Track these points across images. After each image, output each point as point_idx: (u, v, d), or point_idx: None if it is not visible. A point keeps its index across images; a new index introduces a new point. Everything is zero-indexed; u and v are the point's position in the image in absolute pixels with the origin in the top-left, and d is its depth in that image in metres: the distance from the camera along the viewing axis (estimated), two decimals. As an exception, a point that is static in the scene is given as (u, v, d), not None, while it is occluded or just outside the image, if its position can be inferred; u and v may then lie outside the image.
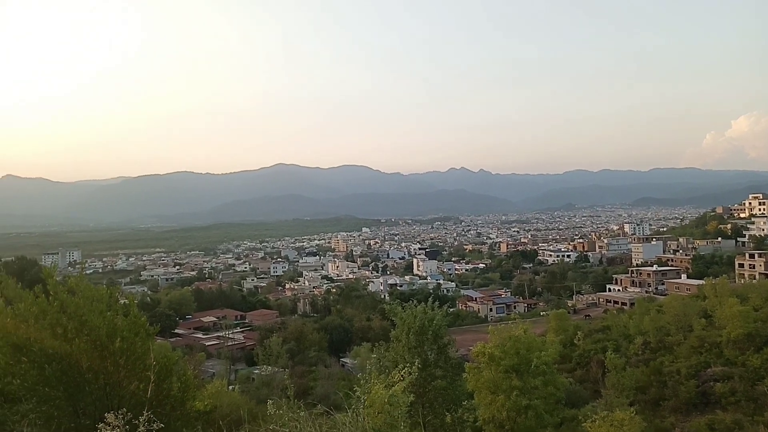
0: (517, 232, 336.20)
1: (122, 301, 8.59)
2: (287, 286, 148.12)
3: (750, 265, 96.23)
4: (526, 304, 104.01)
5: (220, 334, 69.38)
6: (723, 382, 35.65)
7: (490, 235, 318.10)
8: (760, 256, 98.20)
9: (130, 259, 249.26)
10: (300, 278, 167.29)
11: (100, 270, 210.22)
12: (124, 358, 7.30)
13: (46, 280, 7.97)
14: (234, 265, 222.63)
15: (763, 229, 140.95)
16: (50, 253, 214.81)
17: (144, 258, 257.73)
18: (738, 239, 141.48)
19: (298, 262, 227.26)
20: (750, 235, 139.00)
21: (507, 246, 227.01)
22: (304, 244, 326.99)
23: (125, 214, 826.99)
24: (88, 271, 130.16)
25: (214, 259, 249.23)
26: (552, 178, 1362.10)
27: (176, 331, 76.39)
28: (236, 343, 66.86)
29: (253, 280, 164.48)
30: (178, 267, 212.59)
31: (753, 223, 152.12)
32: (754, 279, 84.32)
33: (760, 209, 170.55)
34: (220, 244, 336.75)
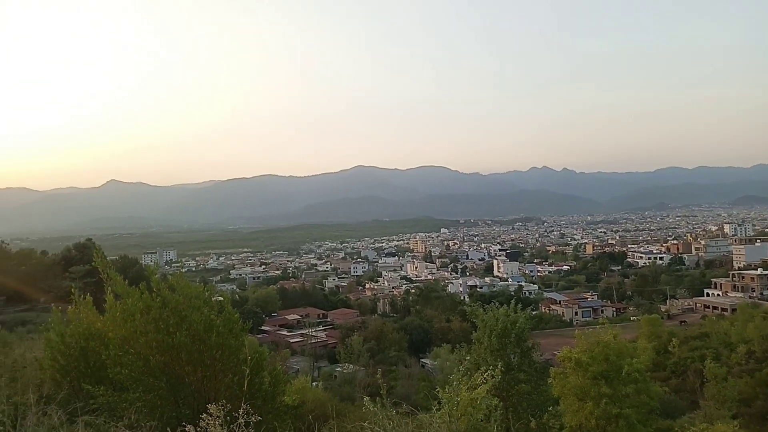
0: (604, 233, 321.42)
1: (216, 298, 9.09)
2: (367, 285, 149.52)
3: None
4: (614, 309, 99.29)
5: (304, 331, 71.17)
6: (843, 398, 32.30)
7: (575, 236, 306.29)
8: None
9: (220, 259, 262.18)
10: (379, 278, 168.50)
11: (194, 269, 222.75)
12: (220, 352, 7.72)
13: (149, 277, 8.58)
14: (316, 264, 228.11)
15: None
16: (149, 253, 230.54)
17: (233, 257, 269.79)
18: None
19: (378, 262, 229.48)
20: None
21: (593, 247, 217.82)
22: (383, 244, 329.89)
23: (216, 215, 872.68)
24: (183, 270, 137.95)
25: (297, 259, 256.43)
26: (642, 176, 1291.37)
27: (262, 328, 79.23)
28: (319, 340, 68.35)
29: (334, 279, 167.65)
30: (264, 266, 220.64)
31: None
32: None
33: None
34: (302, 244, 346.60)
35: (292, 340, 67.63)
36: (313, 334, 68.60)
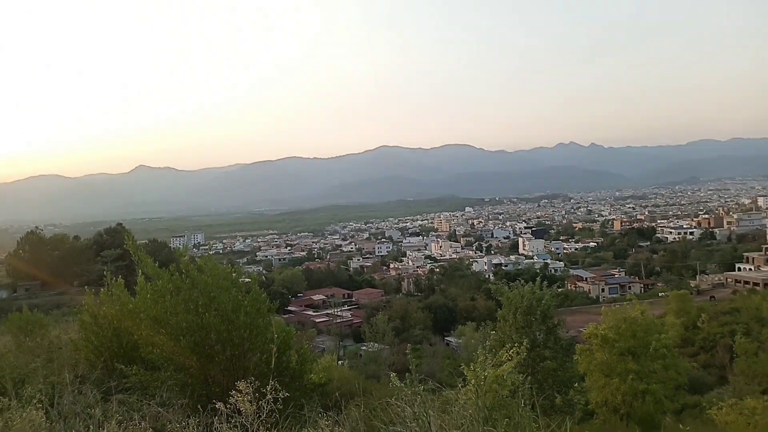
0: (633, 208, 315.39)
1: (243, 279, 9.28)
2: (391, 265, 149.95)
3: None
4: (642, 285, 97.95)
5: (329, 311, 71.99)
6: None
7: (602, 213, 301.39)
8: None
9: (247, 241, 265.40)
10: (404, 258, 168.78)
11: (221, 251, 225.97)
12: (248, 332, 7.92)
13: (179, 259, 8.79)
14: (341, 245, 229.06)
15: None
16: (177, 236, 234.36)
17: (259, 240, 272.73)
18: None
19: (402, 242, 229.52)
20: None
21: (621, 223, 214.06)
22: (408, 224, 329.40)
23: (241, 198, 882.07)
24: (210, 252, 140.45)
25: (322, 240, 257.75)
26: (673, 149, 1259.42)
27: (289, 308, 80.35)
28: (344, 320, 69.03)
29: (359, 259, 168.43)
30: (289, 248, 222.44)
31: None
32: None
33: None
34: (327, 225, 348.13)
35: (317, 320, 68.38)
36: (339, 313, 69.33)
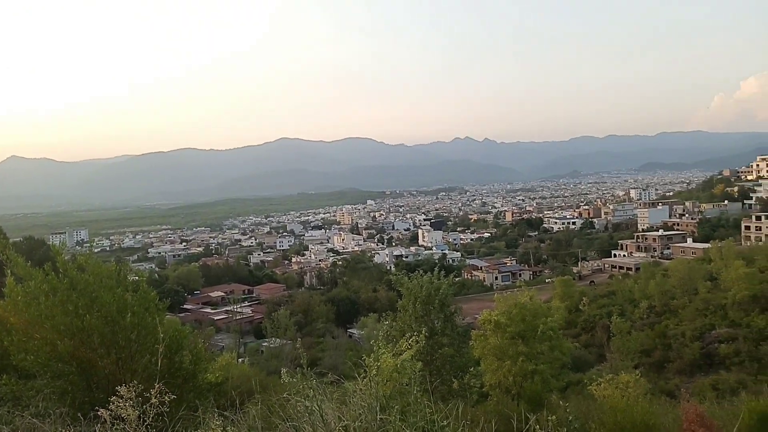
0: (522, 200, 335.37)
1: (131, 278, 8.69)
2: (293, 259, 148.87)
3: (756, 227, 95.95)
4: (531, 272, 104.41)
5: (229, 308, 70.14)
6: (727, 343, 36.04)
7: (495, 205, 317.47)
8: (766, 218, 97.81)
9: (137, 237, 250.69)
10: (306, 252, 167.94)
11: (108, 248, 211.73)
12: (135, 333, 7.42)
13: (55, 257, 8.05)
14: (240, 240, 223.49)
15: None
16: (58, 233, 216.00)
17: (151, 236, 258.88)
18: (745, 202, 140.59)
19: (304, 235, 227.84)
20: (757, 198, 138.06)
21: (512, 215, 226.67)
22: (310, 217, 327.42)
23: (131, 192, 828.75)
24: (96, 250, 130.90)
25: (220, 235, 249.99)
26: (558, 145, 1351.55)
27: (185, 306, 77.23)
28: (244, 316, 67.62)
29: (259, 254, 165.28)
30: (184, 243, 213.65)
31: (760, 185, 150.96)
32: (761, 241, 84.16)
33: (767, 171, 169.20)
34: (225, 219, 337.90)
35: (216, 318, 66.55)
36: (239, 310, 67.70)
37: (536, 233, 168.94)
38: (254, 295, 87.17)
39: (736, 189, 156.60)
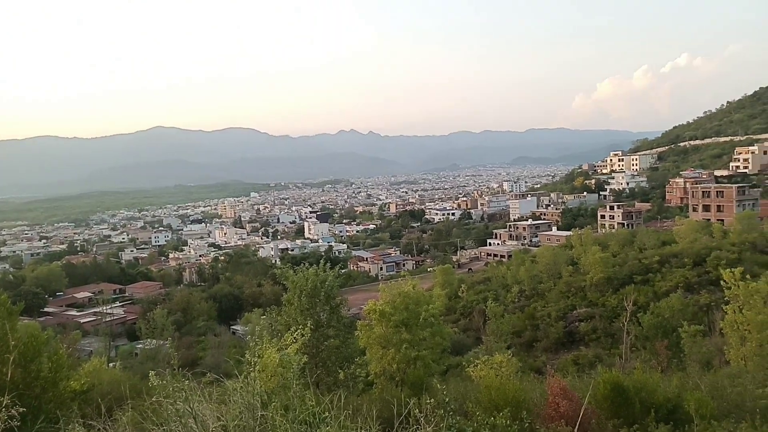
0: (406, 192, 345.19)
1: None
2: (171, 255, 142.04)
3: (610, 216, 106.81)
4: (414, 262, 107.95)
5: (97, 309, 65.36)
6: (586, 321, 39.83)
7: (380, 197, 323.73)
8: (618, 207, 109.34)
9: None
10: (185, 247, 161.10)
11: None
12: (-19, 342, 6.61)
13: None
14: (110, 236, 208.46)
15: (621, 183, 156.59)
16: None
17: (3, 232, 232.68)
18: (600, 193, 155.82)
19: (182, 230, 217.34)
20: (610, 189, 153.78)
21: (396, 207, 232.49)
22: (188, 211, 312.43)
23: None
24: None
25: (86, 231, 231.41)
26: (438, 139, 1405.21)
27: (46, 309, 70.54)
28: (116, 318, 63.27)
29: (132, 251, 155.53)
30: (44, 241, 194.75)
31: (613, 177, 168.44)
32: (613, 228, 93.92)
33: (618, 165, 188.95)
34: (93, 214, 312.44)
35: (83, 321, 61.86)
36: (109, 311, 63.13)
37: (419, 224, 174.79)
38: (127, 294, 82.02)
39: (593, 182, 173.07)
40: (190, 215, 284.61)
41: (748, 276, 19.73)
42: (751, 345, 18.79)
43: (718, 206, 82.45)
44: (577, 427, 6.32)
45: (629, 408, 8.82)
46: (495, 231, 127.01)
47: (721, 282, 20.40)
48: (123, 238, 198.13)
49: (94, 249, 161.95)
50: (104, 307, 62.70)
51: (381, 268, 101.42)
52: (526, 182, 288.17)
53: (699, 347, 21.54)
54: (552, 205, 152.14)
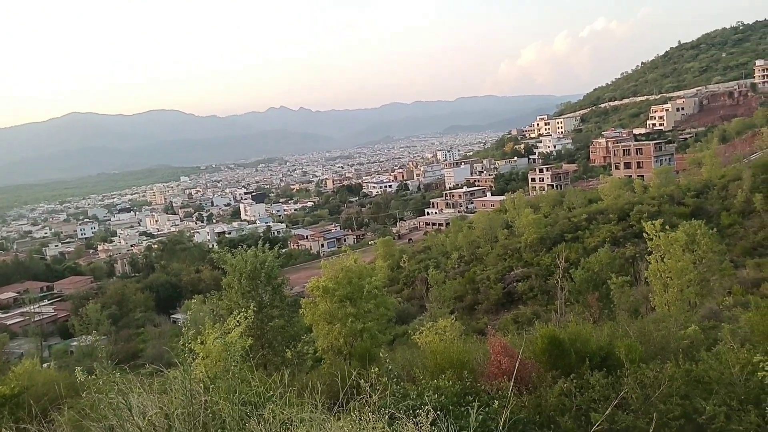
0: (342, 167, 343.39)
1: None
2: (100, 247, 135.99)
3: (540, 178, 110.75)
4: (355, 236, 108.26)
5: (24, 309, 61.86)
6: (523, 281, 41.47)
7: (316, 173, 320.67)
8: (546, 170, 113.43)
9: None
10: (114, 238, 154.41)
11: None
12: None
13: None
14: (31, 231, 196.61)
15: (549, 147, 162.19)
16: None
17: None
18: (530, 157, 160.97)
19: (110, 220, 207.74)
20: (539, 153, 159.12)
21: (333, 182, 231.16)
22: (115, 200, 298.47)
23: None
24: None
25: (4, 228, 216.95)
26: (370, 112, 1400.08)
27: (-35, 314, 66.08)
28: (45, 316, 60.20)
29: (57, 245, 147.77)
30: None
31: (540, 141, 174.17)
32: (544, 190, 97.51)
33: (545, 129, 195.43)
34: (9, 209, 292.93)
35: (9, 322, 58.63)
36: (37, 310, 59.83)
37: (357, 198, 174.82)
38: (55, 291, 78.09)
39: (522, 146, 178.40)
40: (117, 204, 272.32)
41: (667, 227, 21.13)
42: (672, 291, 20.24)
43: (638, 163, 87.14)
44: (513, 379, 6.60)
45: (566, 359, 9.30)
46: (432, 200, 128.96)
47: (644, 234, 21.78)
48: (45, 233, 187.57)
49: (15, 246, 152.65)
50: (31, 307, 59.28)
51: (322, 245, 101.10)
52: (459, 150, 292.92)
53: (627, 297, 22.94)
54: (485, 172, 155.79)
